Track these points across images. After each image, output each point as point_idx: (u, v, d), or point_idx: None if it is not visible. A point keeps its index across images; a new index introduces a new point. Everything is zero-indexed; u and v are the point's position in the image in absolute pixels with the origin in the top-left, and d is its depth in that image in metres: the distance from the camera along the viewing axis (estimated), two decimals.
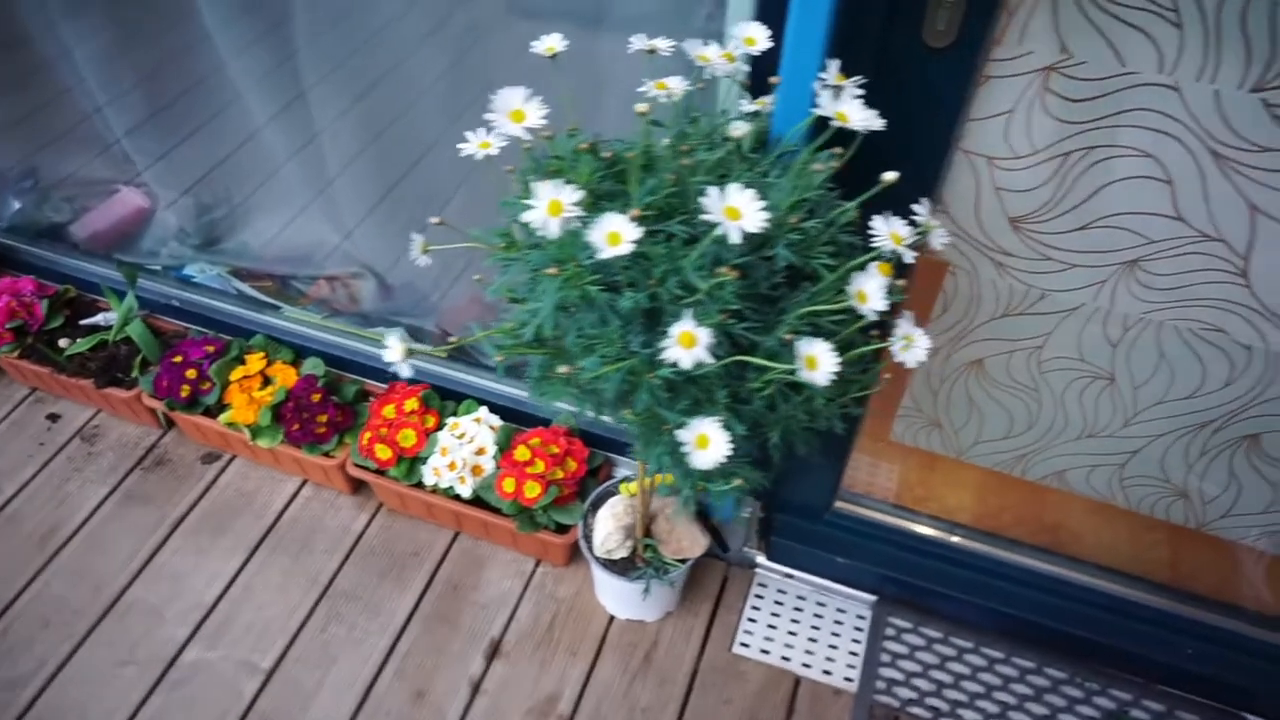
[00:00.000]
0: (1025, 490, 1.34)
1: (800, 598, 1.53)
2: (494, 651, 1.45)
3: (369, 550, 1.57)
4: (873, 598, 1.51)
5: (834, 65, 0.81)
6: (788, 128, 0.86)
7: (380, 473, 1.50)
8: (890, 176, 0.75)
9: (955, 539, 1.46)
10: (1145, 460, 1.21)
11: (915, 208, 0.78)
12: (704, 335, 0.66)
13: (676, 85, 0.86)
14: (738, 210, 0.64)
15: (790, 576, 1.55)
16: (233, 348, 1.62)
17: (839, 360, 0.76)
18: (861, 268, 0.71)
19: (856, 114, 0.72)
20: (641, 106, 0.80)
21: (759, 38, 0.82)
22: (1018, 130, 0.94)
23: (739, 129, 0.82)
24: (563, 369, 0.77)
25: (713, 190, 0.65)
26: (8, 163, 1.90)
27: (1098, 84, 0.88)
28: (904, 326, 0.80)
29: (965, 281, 1.10)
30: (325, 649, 1.45)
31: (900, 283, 0.79)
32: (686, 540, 1.34)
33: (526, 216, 0.67)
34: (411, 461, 1.48)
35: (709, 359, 0.67)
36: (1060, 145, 0.94)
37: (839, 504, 1.49)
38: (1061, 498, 1.32)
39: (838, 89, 0.80)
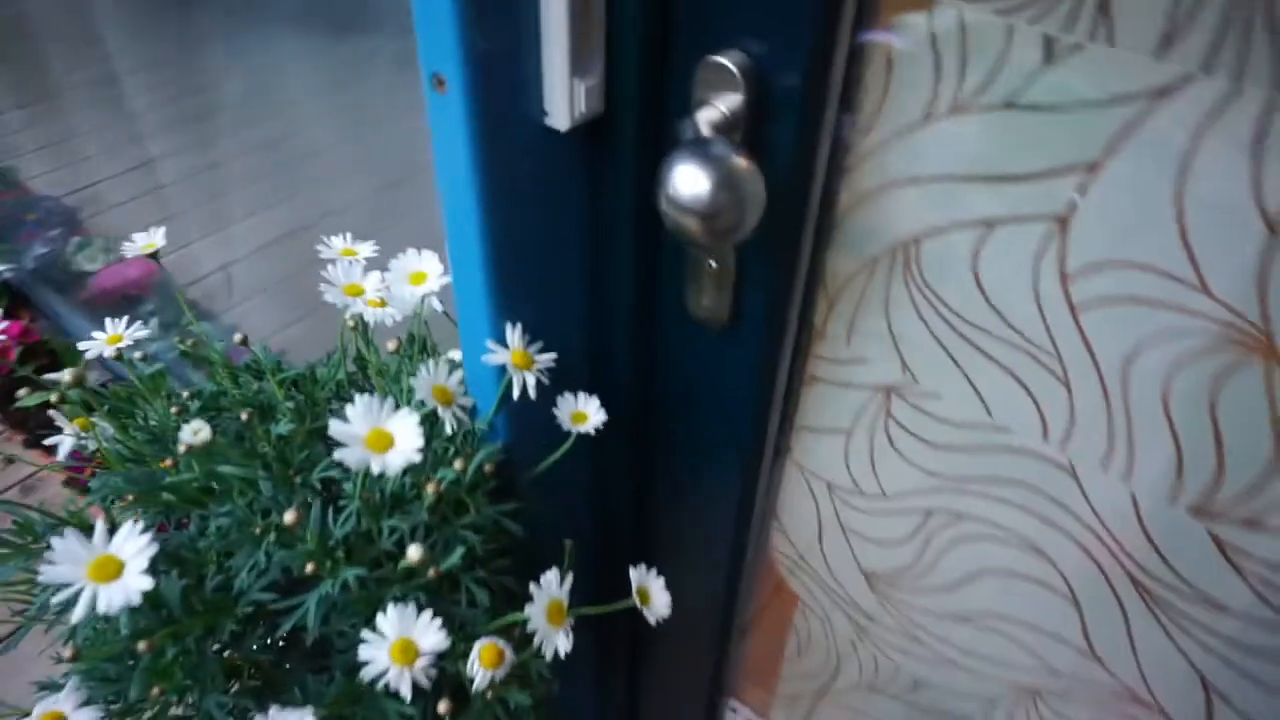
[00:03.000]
0: None
1: None
2: None
3: None
4: None
5: (514, 333, 0.55)
6: (484, 407, 0.61)
7: None
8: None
9: None
10: None
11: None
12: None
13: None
14: None
15: None
16: None
17: None
18: None
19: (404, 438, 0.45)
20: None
21: (431, 272, 0.58)
22: (860, 459, 0.63)
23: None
24: None
25: None
26: (49, 203, 1.97)
27: (959, 430, 0.56)
28: None
29: (819, 628, 0.78)
30: None
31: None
32: None
33: None
34: None
35: None
36: (920, 500, 0.62)
37: None
38: None
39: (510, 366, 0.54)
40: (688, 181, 0.42)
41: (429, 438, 0.57)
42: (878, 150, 0.50)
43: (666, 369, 0.64)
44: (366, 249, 0.65)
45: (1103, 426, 0.49)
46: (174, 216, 2.04)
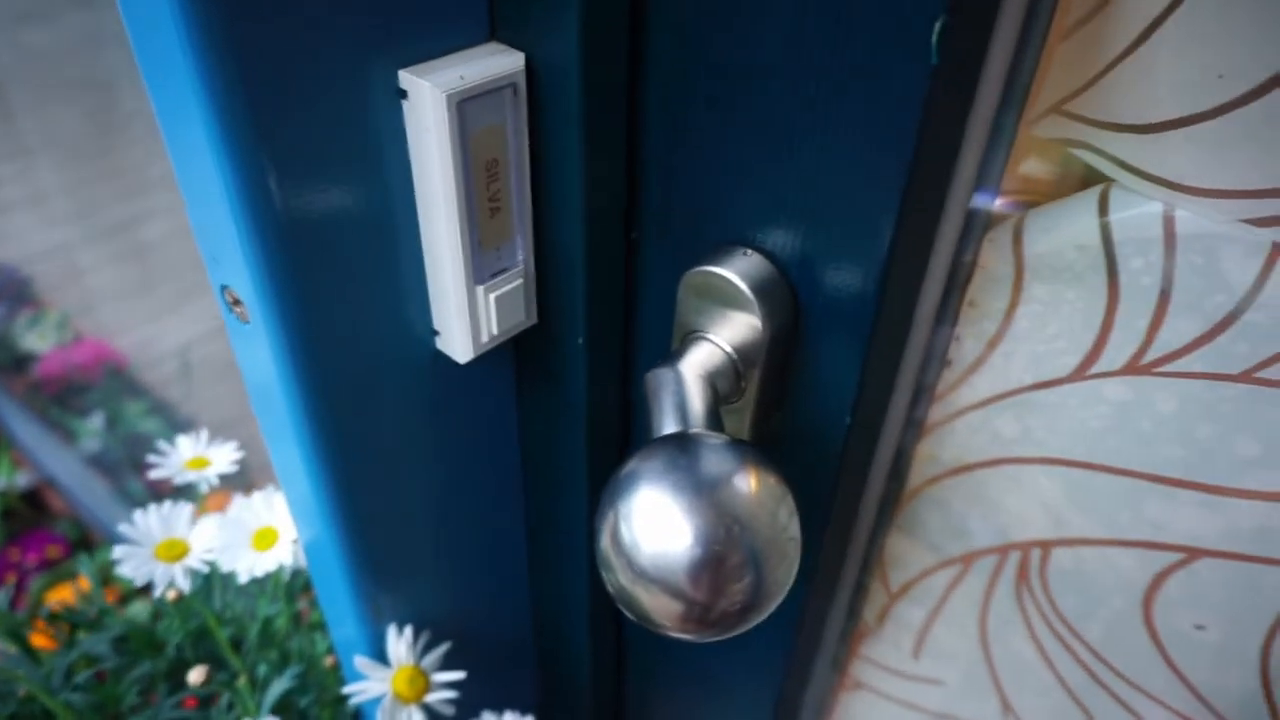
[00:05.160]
0: None
1: None
2: None
3: None
4: None
5: (398, 641, 0.35)
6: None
7: None
8: None
9: None
10: None
11: None
12: None
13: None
14: None
15: None
16: None
17: None
18: None
19: None
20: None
21: (283, 532, 0.38)
22: None
23: None
24: None
25: None
26: (8, 271, 1.80)
27: None
28: None
29: None
30: None
31: None
32: None
33: None
34: None
35: None
36: None
37: None
38: None
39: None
40: (653, 529, 0.22)
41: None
42: (985, 407, 0.30)
43: (643, 667, 0.43)
44: (225, 456, 0.46)
45: None
46: (141, 289, 1.88)
